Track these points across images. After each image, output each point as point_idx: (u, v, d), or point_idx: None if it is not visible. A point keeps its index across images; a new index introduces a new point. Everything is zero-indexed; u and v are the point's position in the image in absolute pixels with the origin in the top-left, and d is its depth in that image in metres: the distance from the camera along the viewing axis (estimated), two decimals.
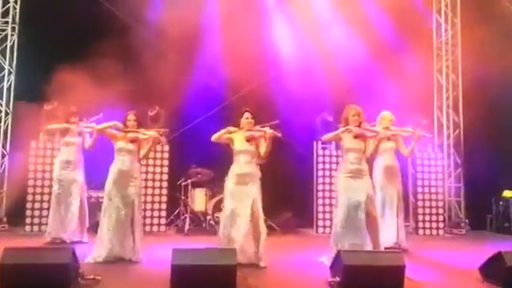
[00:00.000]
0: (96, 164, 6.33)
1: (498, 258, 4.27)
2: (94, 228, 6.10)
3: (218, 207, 7.37)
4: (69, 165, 6.25)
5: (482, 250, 5.60)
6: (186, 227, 7.33)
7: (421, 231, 7.81)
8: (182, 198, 7.73)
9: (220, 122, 7.43)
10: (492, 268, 4.31)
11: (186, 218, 7.49)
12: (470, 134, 8.38)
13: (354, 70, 7.96)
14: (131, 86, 7.03)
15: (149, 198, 7.44)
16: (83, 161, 6.38)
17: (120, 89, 7.09)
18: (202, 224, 7.62)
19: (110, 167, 5.23)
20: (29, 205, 7.19)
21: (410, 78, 7.89)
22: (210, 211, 7.47)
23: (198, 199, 7.73)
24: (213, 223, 7.34)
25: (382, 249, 5.05)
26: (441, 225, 7.89)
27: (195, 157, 7.68)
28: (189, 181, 7.67)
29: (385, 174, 6.10)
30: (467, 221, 8.34)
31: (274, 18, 8.58)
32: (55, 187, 6.27)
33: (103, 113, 6.10)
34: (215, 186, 7.86)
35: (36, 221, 7.16)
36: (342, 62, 7.90)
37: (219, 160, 7.75)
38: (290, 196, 7.79)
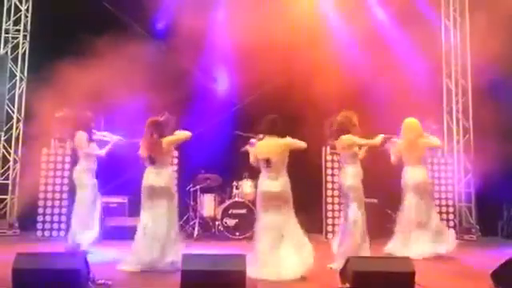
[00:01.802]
0: (103, 170, 6.40)
1: (509, 264, 4.23)
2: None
3: (226, 213, 7.39)
4: (92, 172, 6.24)
5: (494, 256, 5.55)
6: (195, 233, 7.35)
7: None
8: (191, 203, 7.76)
9: (229, 128, 7.51)
10: (504, 274, 4.27)
11: (195, 223, 7.52)
12: (480, 138, 8.32)
13: (363, 75, 7.95)
14: (141, 93, 7.10)
15: None
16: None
17: (130, 95, 7.17)
18: (211, 229, 7.63)
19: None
20: (40, 210, 7.29)
21: (419, 83, 7.87)
22: (218, 217, 7.49)
23: (207, 205, 7.76)
24: (222, 229, 7.36)
25: None
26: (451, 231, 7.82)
27: (204, 162, 7.71)
28: (198, 186, 7.70)
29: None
30: (478, 227, 8.26)
31: (283, 23, 8.60)
32: (86, 192, 6.19)
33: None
34: (224, 191, 7.90)
35: (47, 226, 7.26)
36: (350, 68, 7.90)
37: (228, 166, 7.82)
38: (298, 201, 7.75)
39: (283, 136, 4.96)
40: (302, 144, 4.98)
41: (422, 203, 6.12)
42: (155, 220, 5.08)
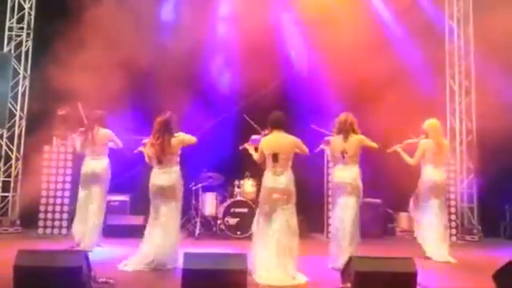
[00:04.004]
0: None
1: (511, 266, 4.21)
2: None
3: (228, 212, 7.39)
4: None
5: (496, 257, 5.53)
6: (197, 231, 7.35)
7: None
8: (193, 202, 7.76)
9: (231, 127, 7.51)
10: (506, 276, 4.25)
11: (196, 222, 7.51)
12: (482, 139, 8.29)
13: (366, 76, 7.91)
14: (144, 91, 7.11)
15: None
16: None
17: (131, 93, 7.17)
18: (213, 228, 7.64)
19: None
20: (42, 208, 7.29)
21: (423, 84, 7.85)
22: (220, 215, 7.48)
23: (209, 203, 7.75)
24: (223, 227, 7.35)
25: None
26: (453, 231, 7.79)
27: (206, 161, 7.70)
28: (199, 185, 7.69)
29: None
30: (480, 227, 8.23)
31: (287, 21, 8.59)
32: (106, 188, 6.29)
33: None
34: (226, 190, 7.90)
35: (49, 223, 7.27)
36: (353, 69, 7.87)
37: (230, 164, 7.82)
38: (300, 201, 7.74)
39: (289, 132, 4.97)
40: (307, 150, 5.00)
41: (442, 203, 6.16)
42: (161, 219, 5.08)
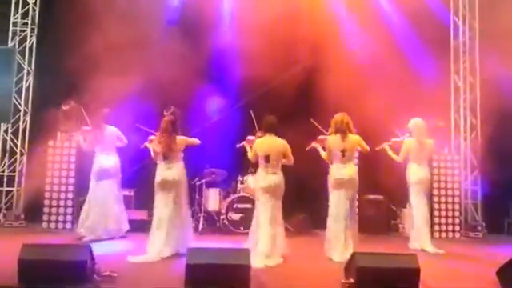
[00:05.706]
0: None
1: None
2: None
3: (231, 207, 7.40)
4: None
5: (499, 253, 5.52)
6: (200, 227, 7.37)
7: (436, 234, 7.68)
8: (197, 197, 7.78)
9: (235, 123, 7.50)
10: (510, 272, 4.25)
11: (199, 217, 7.53)
12: (487, 135, 8.25)
13: (370, 72, 7.89)
14: (146, 87, 7.10)
15: None
16: None
17: (135, 88, 7.16)
18: (216, 224, 7.65)
19: None
20: (46, 202, 7.33)
21: (427, 80, 7.81)
22: (223, 211, 7.50)
23: (212, 199, 7.77)
24: (226, 223, 7.37)
25: None
26: (457, 228, 7.79)
27: (209, 157, 7.71)
28: (203, 180, 7.71)
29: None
30: (484, 224, 8.21)
31: (292, 18, 8.53)
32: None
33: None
34: (229, 185, 7.90)
35: (53, 218, 7.31)
36: (357, 65, 7.84)
37: (233, 160, 7.82)
38: (303, 197, 7.76)
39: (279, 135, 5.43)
40: (292, 159, 5.44)
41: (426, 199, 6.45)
42: (167, 212, 5.34)
